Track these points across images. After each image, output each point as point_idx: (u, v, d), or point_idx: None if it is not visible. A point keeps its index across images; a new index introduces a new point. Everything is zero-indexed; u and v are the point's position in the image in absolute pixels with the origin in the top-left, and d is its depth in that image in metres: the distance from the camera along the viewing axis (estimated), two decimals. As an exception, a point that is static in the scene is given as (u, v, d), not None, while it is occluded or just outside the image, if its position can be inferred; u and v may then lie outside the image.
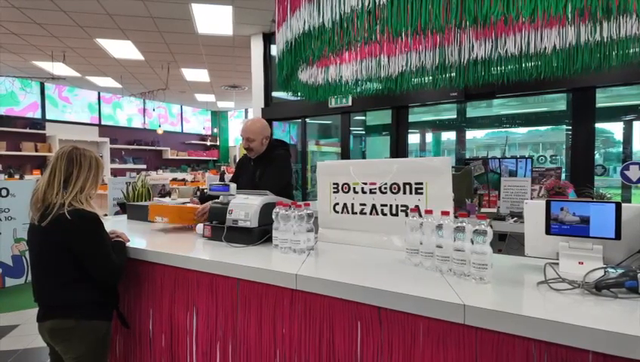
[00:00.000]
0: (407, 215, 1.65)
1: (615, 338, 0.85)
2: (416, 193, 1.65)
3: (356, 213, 1.80)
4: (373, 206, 1.76)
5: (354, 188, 1.81)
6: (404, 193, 1.68)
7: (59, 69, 7.32)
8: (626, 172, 3.27)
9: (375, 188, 1.75)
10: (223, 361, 1.53)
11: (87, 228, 1.49)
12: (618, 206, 1.22)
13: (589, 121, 4.31)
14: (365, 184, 1.77)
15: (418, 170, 1.67)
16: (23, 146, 8.33)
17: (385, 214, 1.72)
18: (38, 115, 8.85)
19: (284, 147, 2.62)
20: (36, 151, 8.42)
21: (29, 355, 2.79)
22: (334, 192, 1.88)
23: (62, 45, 6.27)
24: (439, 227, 1.30)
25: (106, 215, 5.13)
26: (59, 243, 1.47)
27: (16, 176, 7.39)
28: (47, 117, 8.98)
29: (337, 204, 1.86)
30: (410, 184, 1.66)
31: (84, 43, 6.16)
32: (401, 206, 1.69)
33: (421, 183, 1.63)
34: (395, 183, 1.70)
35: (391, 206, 1.71)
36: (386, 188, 1.72)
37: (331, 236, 1.87)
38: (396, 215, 1.70)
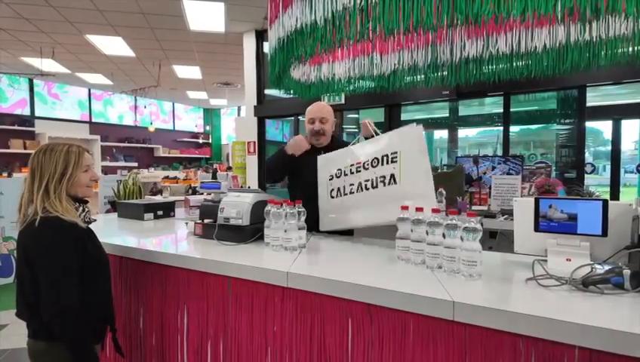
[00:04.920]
0: (385, 185, 1.69)
1: (601, 334, 0.87)
2: (392, 162, 1.69)
3: (347, 194, 1.85)
4: (360, 183, 1.80)
5: (344, 171, 1.87)
6: (382, 165, 1.72)
7: (48, 65, 7.20)
8: None
9: (360, 167, 1.81)
10: (214, 360, 1.53)
11: (46, 241, 1.24)
12: (605, 203, 1.24)
13: (579, 119, 4.36)
14: (353, 165, 1.84)
15: (393, 140, 1.73)
16: (11, 144, 8.19)
17: (367, 189, 1.77)
18: (26, 111, 8.70)
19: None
20: (25, 148, 8.26)
21: (17, 355, 2.75)
22: (330, 180, 1.94)
23: (51, 41, 6.17)
24: (430, 224, 1.31)
25: (96, 213, 5.08)
26: (23, 255, 1.28)
27: (4, 174, 7.27)
28: (37, 114, 8.83)
29: (333, 189, 1.92)
30: (387, 155, 1.71)
31: (73, 39, 6.07)
32: (380, 177, 1.72)
33: (395, 152, 1.68)
34: (375, 158, 1.75)
35: (372, 180, 1.75)
36: (368, 164, 1.78)
37: (329, 222, 1.93)
38: (376, 187, 1.73)
